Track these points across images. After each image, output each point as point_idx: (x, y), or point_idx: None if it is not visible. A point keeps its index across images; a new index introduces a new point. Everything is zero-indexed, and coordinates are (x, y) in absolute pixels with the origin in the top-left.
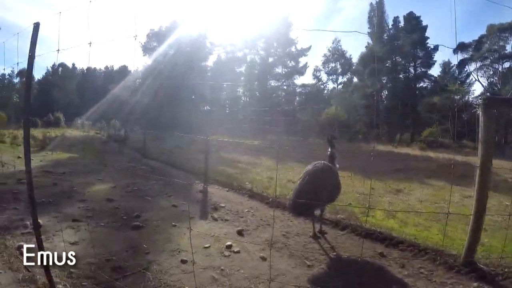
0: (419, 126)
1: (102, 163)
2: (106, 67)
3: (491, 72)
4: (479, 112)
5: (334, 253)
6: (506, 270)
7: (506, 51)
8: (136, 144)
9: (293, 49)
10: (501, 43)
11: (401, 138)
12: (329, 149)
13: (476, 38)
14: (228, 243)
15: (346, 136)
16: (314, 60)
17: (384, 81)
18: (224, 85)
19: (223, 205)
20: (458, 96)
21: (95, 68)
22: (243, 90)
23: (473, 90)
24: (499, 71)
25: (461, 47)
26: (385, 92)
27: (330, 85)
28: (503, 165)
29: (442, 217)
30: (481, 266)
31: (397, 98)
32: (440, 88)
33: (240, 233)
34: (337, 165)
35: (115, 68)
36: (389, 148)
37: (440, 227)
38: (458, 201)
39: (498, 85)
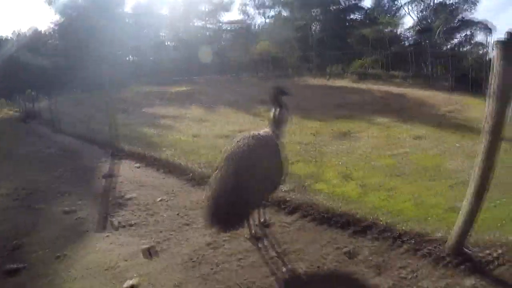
0: (350, 58)
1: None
2: (18, 35)
3: (422, 6)
4: (494, 55)
5: (285, 269)
6: (498, 251)
7: None
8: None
9: None
10: None
11: (333, 70)
12: (274, 109)
13: None
14: (130, 281)
15: (278, 72)
16: None
17: (315, 14)
18: (145, 30)
19: (130, 195)
20: (389, 29)
21: (5, 37)
22: (167, 33)
23: (404, 23)
24: (431, 5)
25: None
26: (316, 25)
27: (259, 20)
28: (436, 97)
29: (403, 170)
30: (472, 251)
31: (328, 31)
32: (371, 20)
33: (148, 253)
34: (284, 134)
35: (26, 34)
36: (323, 82)
37: (408, 189)
38: (411, 144)
39: (430, 19)
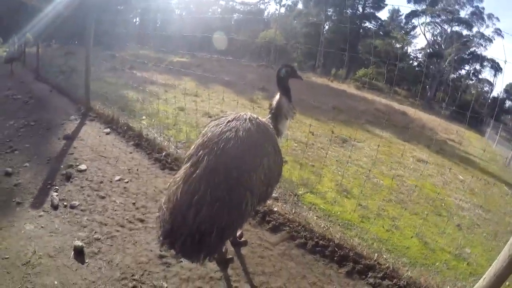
0: (356, 65)
1: None
2: None
3: (438, 31)
4: None
5: None
6: None
7: (459, 16)
8: (41, 61)
9: None
10: (457, 6)
11: (337, 73)
12: (279, 96)
13: None
14: None
15: (281, 63)
16: None
17: (330, 13)
18: None
19: (85, 167)
20: (400, 45)
21: None
22: (178, 1)
23: (416, 43)
24: (447, 32)
25: None
26: (328, 24)
27: (272, 7)
28: (436, 122)
29: (407, 196)
30: None
31: (339, 33)
32: (384, 32)
33: (81, 253)
34: (284, 131)
35: None
36: (326, 82)
37: (412, 221)
38: (414, 167)
39: (443, 45)
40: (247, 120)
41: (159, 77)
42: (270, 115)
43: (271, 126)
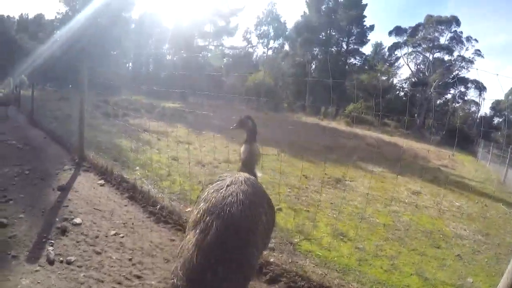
0: (344, 101)
1: None
2: (21, 15)
3: (420, 59)
4: None
5: None
6: None
7: (439, 42)
8: (35, 104)
9: (225, 8)
10: (436, 34)
11: (326, 111)
12: (249, 144)
13: (413, 25)
14: None
15: (271, 104)
16: (245, 22)
17: (315, 52)
18: (149, 40)
19: (80, 220)
20: (385, 77)
21: (8, 16)
22: (169, 47)
23: (400, 73)
24: (429, 59)
25: (396, 31)
26: (314, 63)
27: (260, 50)
28: (428, 149)
29: (404, 232)
30: None
31: (326, 71)
32: (369, 66)
33: None
34: (259, 173)
35: (30, 17)
36: (316, 121)
37: (411, 257)
38: (409, 200)
39: (426, 73)
40: (243, 183)
41: (152, 124)
42: (246, 165)
43: (254, 182)
